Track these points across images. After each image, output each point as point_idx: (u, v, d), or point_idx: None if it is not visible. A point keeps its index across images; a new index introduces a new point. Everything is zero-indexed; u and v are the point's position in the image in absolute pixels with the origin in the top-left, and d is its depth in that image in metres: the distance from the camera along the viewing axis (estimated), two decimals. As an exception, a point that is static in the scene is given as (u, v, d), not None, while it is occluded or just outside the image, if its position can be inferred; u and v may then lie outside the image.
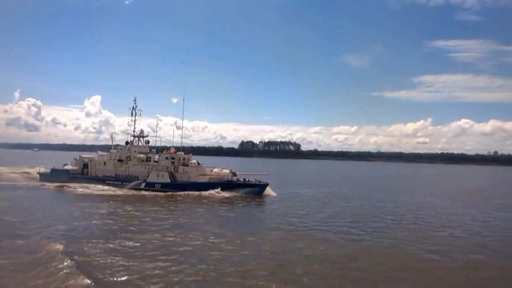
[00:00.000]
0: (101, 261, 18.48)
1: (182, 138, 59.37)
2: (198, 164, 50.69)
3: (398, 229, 29.21)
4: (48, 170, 57.79)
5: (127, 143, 54.58)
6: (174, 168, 49.53)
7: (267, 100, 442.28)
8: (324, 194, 52.85)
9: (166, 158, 50.57)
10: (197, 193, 45.55)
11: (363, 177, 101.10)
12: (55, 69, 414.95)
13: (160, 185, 48.69)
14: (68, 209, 33.82)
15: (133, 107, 54.54)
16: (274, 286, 16.04)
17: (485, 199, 53.97)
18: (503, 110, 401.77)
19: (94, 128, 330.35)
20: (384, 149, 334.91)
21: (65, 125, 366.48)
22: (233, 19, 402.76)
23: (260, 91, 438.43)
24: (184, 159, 50.63)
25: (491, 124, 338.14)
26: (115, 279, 16.26)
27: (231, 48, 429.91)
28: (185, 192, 46.00)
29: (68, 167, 56.95)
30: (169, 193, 46.26)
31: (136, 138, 54.62)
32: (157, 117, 60.94)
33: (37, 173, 58.81)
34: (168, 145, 57.74)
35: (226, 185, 46.83)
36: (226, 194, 45.48)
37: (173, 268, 17.81)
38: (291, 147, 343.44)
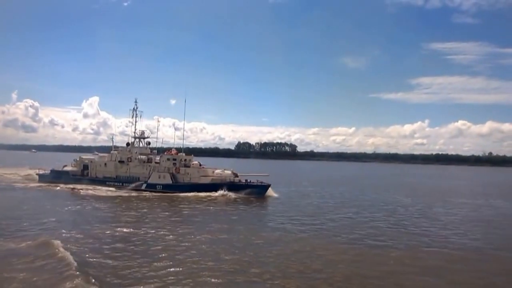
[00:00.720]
0: (101, 260, 18.62)
1: (183, 139, 59.28)
2: (200, 165, 50.72)
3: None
4: (47, 171, 57.52)
5: (128, 144, 54.49)
6: (176, 169, 49.51)
7: (265, 101, 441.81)
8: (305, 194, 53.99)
9: (168, 159, 50.56)
10: (198, 194, 45.57)
11: (344, 177, 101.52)
12: (53, 70, 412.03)
13: (161, 186, 48.67)
14: (68, 210, 33.92)
15: (134, 109, 54.61)
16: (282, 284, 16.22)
17: (448, 197, 55.98)
18: (500, 111, 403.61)
19: (92, 129, 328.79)
20: (382, 150, 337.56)
21: (62, 126, 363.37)
22: (231, 21, 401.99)
23: (258, 93, 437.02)
24: (185, 160, 50.65)
25: (488, 126, 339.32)
26: (115, 279, 16.34)
27: (229, 49, 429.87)
28: (187, 193, 45.96)
29: (68, 168, 56.71)
30: (171, 194, 46.25)
31: (137, 140, 54.62)
32: (157, 119, 60.79)
33: (37, 174, 58.47)
34: (166, 146, 57.88)
35: (228, 186, 46.85)
36: (228, 195, 45.55)
37: (174, 267, 17.95)
38: (287, 148, 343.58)
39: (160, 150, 56.90)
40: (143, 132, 54.96)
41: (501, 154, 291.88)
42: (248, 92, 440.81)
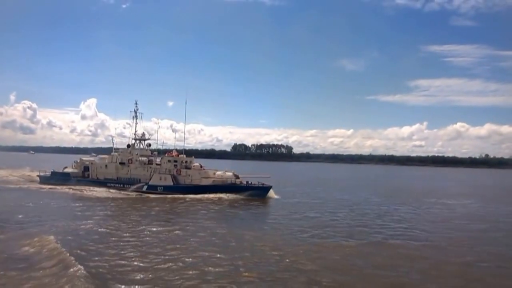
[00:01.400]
0: (101, 260, 18.85)
1: (184, 141, 59.67)
2: (201, 167, 50.99)
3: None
4: (48, 173, 57.56)
5: (128, 146, 54.68)
6: (177, 171, 49.73)
7: (263, 103, 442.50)
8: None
9: (169, 161, 50.79)
10: (200, 196, 45.82)
11: (329, 178, 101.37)
12: (51, 72, 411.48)
13: (162, 188, 48.86)
14: (68, 210, 34.13)
15: (134, 110, 54.82)
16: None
17: (422, 197, 56.87)
18: (498, 114, 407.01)
19: (90, 131, 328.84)
20: (380, 152, 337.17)
21: (60, 128, 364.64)
22: (229, 23, 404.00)
23: (256, 94, 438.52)
24: (186, 162, 50.92)
25: (487, 128, 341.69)
26: (115, 278, 16.57)
27: (227, 51, 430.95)
28: (188, 195, 46.17)
29: (69, 170, 56.77)
30: (172, 196, 46.50)
31: (137, 141, 54.83)
32: (157, 121, 61.18)
33: (37, 175, 58.45)
34: (164, 148, 58.17)
35: (230, 188, 47.14)
36: (230, 196, 45.80)
37: (174, 267, 18.19)
38: (283, 150, 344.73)
39: (160, 152, 57.15)
40: (143, 134, 55.22)
41: (499, 156, 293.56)
42: (246, 94, 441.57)
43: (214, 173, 50.22)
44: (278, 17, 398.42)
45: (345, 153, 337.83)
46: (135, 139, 54.65)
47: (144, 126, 55.85)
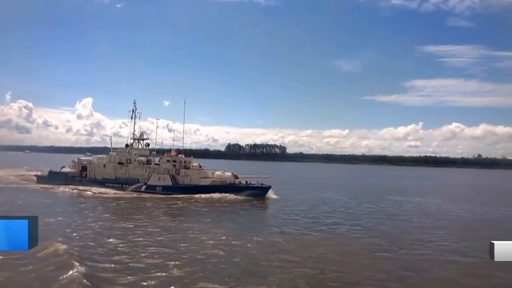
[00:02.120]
0: (101, 260, 18.96)
1: (183, 141, 59.69)
2: (200, 167, 51.20)
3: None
4: (45, 173, 57.34)
5: (127, 145, 54.70)
6: (176, 171, 49.86)
7: (259, 103, 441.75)
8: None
9: (168, 161, 50.89)
10: (199, 196, 46.04)
11: (310, 178, 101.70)
12: (46, 71, 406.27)
13: (161, 188, 48.98)
14: (66, 211, 34.00)
15: (133, 110, 54.85)
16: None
17: (391, 194, 58.03)
18: (494, 114, 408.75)
19: (86, 130, 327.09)
20: (375, 152, 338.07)
21: (56, 128, 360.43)
22: (225, 23, 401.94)
23: (252, 94, 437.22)
24: (185, 162, 51.08)
25: (482, 128, 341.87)
26: (114, 278, 16.63)
27: (223, 51, 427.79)
28: (187, 195, 46.38)
29: (66, 169, 56.64)
30: (171, 196, 46.67)
31: (136, 141, 54.86)
32: (156, 121, 61.21)
33: (35, 175, 58.19)
34: (160, 147, 58.31)
35: (229, 188, 47.39)
36: (229, 196, 46.08)
37: (173, 268, 18.20)
38: (277, 150, 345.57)
39: (158, 152, 57.24)
40: (142, 134, 55.25)
41: (494, 157, 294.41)
42: (242, 94, 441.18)
43: (213, 173, 50.44)
44: (274, 17, 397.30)
45: (340, 153, 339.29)
46: (134, 139, 54.69)
47: (140, 125, 55.82)
